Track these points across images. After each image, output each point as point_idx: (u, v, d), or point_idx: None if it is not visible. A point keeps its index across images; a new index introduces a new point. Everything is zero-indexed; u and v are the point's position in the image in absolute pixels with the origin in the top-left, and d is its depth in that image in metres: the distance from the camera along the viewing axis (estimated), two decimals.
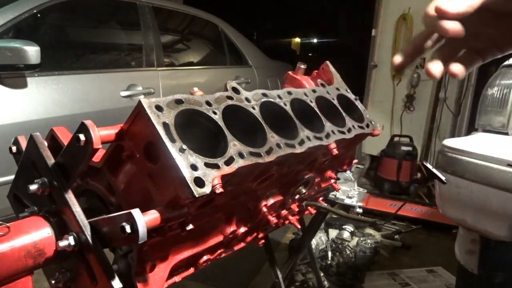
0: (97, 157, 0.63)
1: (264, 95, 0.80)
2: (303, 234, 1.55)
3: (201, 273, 0.86)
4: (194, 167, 0.56)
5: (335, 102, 0.96)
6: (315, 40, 11.29)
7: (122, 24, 2.74)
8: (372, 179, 4.14)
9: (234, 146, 0.64)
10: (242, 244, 0.96)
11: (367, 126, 0.99)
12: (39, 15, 2.03)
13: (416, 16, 3.96)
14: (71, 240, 0.57)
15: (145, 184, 0.61)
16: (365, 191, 2.96)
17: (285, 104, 0.82)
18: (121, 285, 0.56)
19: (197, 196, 0.54)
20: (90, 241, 0.56)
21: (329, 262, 2.23)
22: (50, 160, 0.61)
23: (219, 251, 0.86)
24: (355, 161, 1.19)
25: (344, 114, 0.95)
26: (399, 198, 3.46)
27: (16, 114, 1.80)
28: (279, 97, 0.83)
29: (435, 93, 4.01)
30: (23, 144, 0.67)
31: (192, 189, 0.54)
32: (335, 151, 0.86)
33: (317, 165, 0.98)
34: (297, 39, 10.53)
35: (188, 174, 0.55)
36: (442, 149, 1.50)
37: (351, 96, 1.03)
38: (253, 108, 0.75)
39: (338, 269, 2.20)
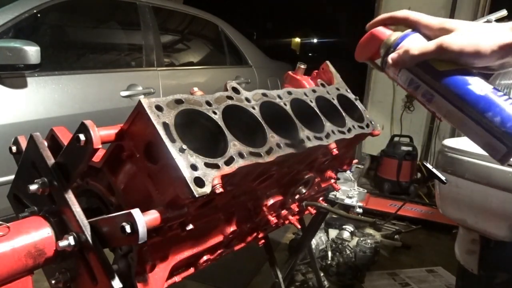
0: (97, 157, 0.63)
1: (264, 95, 0.80)
2: (303, 234, 1.55)
3: (201, 273, 0.86)
4: (194, 167, 0.56)
5: (335, 102, 0.96)
6: (315, 40, 11.29)
7: (122, 24, 2.74)
8: (372, 179, 4.14)
9: (234, 146, 0.64)
10: (242, 244, 0.96)
11: (367, 126, 0.99)
12: (39, 15, 2.03)
13: None
14: (71, 240, 0.57)
15: (145, 184, 0.61)
16: (365, 191, 2.96)
17: (285, 104, 0.82)
18: (121, 285, 0.56)
19: (197, 196, 0.54)
20: (90, 241, 0.56)
21: (329, 262, 2.23)
22: (50, 160, 0.61)
23: (219, 251, 0.86)
24: (355, 161, 1.19)
25: (344, 114, 0.95)
26: (399, 198, 3.46)
27: (16, 114, 1.80)
28: (279, 97, 0.83)
29: None
30: (23, 144, 0.67)
31: (192, 189, 0.54)
32: (335, 151, 0.86)
33: (317, 165, 0.98)
34: (297, 39, 10.53)
35: (188, 174, 0.55)
36: (442, 149, 1.50)
37: (351, 96, 1.03)
38: (253, 108, 0.75)
39: (338, 269, 2.20)
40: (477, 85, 0.57)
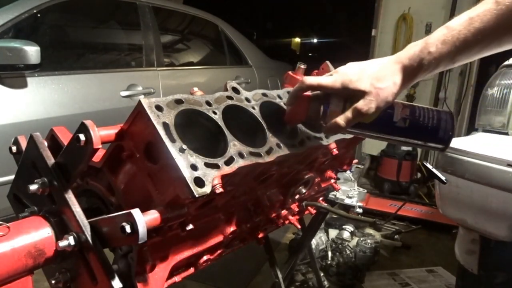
0: (97, 157, 0.63)
1: (264, 95, 0.80)
2: (303, 234, 1.55)
3: (201, 273, 0.86)
4: (194, 167, 0.56)
5: None
6: (315, 40, 11.30)
7: (122, 24, 2.74)
8: (372, 179, 4.14)
9: (234, 146, 0.64)
10: (242, 244, 0.96)
11: None
12: (39, 15, 2.03)
13: (416, 16, 3.96)
14: (71, 240, 0.57)
15: (145, 184, 0.61)
16: (365, 191, 2.95)
17: (285, 104, 0.82)
18: (121, 285, 0.56)
19: (197, 196, 0.54)
20: (90, 241, 0.56)
21: (329, 262, 2.23)
22: (50, 160, 0.61)
23: (219, 251, 0.86)
24: (355, 161, 1.19)
25: None
26: (399, 198, 3.46)
27: (16, 114, 1.80)
28: (279, 97, 0.83)
29: (435, 93, 4.01)
30: (23, 144, 0.67)
31: (192, 189, 0.54)
32: (335, 151, 0.86)
33: (317, 165, 0.98)
34: (297, 39, 10.52)
35: (188, 174, 0.55)
36: None
37: None
38: (253, 108, 0.75)
39: (338, 269, 2.20)
40: (401, 121, 0.72)
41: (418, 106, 0.74)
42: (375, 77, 0.66)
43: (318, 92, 0.72)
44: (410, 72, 0.66)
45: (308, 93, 0.73)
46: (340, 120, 0.68)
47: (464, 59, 0.65)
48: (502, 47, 0.64)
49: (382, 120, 0.71)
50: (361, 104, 0.66)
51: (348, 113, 0.67)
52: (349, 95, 0.68)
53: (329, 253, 2.26)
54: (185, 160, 0.56)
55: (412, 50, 0.65)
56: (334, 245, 2.31)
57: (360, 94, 0.66)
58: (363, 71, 0.67)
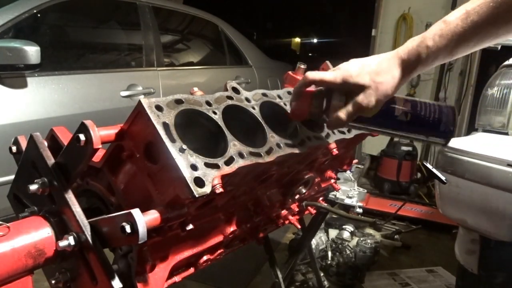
0: (97, 157, 0.63)
1: (264, 95, 0.80)
2: (303, 234, 1.55)
3: (201, 273, 0.86)
4: (194, 167, 0.56)
5: None
6: (315, 40, 11.29)
7: (122, 24, 2.74)
8: (372, 179, 4.14)
9: (234, 146, 0.64)
10: (242, 244, 0.96)
11: None
12: (39, 15, 2.03)
13: (416, 16, 3.96)
14: (71, 240, 0.57)
15: (145, 184, 0.61)
16: (365, 191, 2.95)
17: (285, 104, 0.82)
18: (121, 285, 0.56)
19: (197, 196, 0.54)
20: (90, 241, 0.56)
21: (329, 262, 2.23)
22: (50, 160, 0.61)
23: (219, 251, 0.86)
24: (355, 161, 1.19)
25: None
26: (399, 198, 3.46)
27: (16, 114, 1.80)
28: (279, 97, 0.83)
29: (435, 93, 4.01)
30: (23, 144, 0.67)
31: (192, 189, 0.54)
32: (335, 151, 0.86)
33: (317, 165, 0.98)
34: (297, 39, 10.52)
35: (188, 174, 0.55)
36: (442, 149, 1.50)
37: None
38: (253, 108, 0.75)
39: (338, 269, 2.20)
40: (402, 115, 0.72)
41: (419, 101, 0.75)
42: (374, 71, 0.67)
43: (321, 88, 0.73)
44: (409, 66, 0.67)
45: (311, 88, 0.74)
46: (342, 114, 0.70)
47: (462, 52, 0.66)
48: (499, 39, 0.65)
49: (384, 114, 0.72)
50: (361, 98, 0.67)
51: (349, 107, 0.69)
52: (350, 90, 0.69)
53: (329, 253, 2.26)
54: (185, 160, 0.56)
55: (410, 45, 0.67)
56: (334, 245, 2.31)
57: (360, 88, 0.67)
58: (363, 67, 0.68)
